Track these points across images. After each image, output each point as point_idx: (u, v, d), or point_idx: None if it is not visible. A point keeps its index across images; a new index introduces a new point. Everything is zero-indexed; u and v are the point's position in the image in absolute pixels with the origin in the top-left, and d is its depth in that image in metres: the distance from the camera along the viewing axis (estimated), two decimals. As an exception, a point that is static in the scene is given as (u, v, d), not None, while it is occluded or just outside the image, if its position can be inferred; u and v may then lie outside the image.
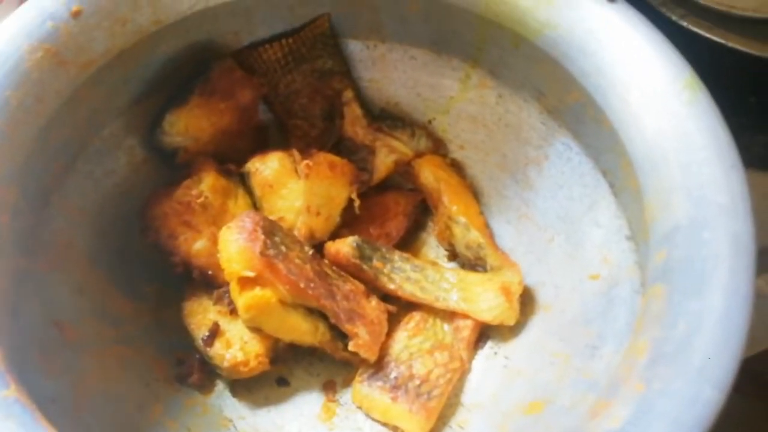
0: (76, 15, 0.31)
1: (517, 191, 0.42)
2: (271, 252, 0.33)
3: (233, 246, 0.33)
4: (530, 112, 0.41)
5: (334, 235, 0.41)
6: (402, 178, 0.47)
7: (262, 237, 0.33)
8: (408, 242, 0.45)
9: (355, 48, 0.45)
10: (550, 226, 0.39)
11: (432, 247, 0.45)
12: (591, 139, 0.37)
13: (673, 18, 0.63)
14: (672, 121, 0.29)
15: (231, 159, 0.41)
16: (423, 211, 0.46)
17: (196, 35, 0.39)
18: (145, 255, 0.37)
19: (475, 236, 0.41)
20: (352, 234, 0.41)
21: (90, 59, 0.32)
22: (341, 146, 0.45)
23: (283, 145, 0.44)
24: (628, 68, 0.31)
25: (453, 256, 0.44)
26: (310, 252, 0.37)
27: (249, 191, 0.40)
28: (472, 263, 0.41)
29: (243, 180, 0.40)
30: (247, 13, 0.40)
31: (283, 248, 0.34)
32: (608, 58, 0.32)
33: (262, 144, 0.43)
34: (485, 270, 0.40)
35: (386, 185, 0.46)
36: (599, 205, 0.36)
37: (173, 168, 0.40)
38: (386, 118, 0.46)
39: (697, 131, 0.28)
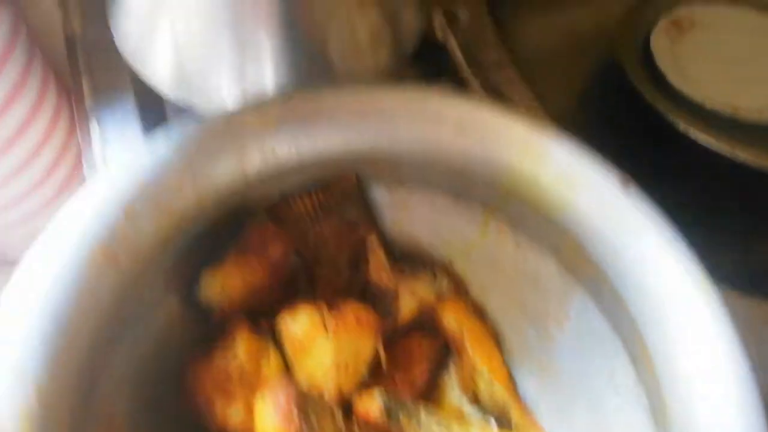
0: (129, 214, 0.33)
1: (540, 343, 0.44)
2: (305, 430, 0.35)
3: (269, 422, 0.35)
4: (548, 264, 0.43)
5: (359, 384, 0.43)
6: (424, 321, 0.48)
7: (296, 418, 0.34)
8: (431, 384, 0.46)
9: (377, 192, 0.48)
10: (573, 385, 0.41)
11: (454, 389, 0.47)
12: (609, 305, 0.38)
13: (680, 129, 0.66)
14: (698, 339, 0.30)
15: (260, 311, 0.43)
16: (445, 353, 0.47)
17: (233, 200, 0.41)
18: (182, 418, 0.39)
19: (500, 392, 0.42)
20: (377, 383, 0.42)
21: (139, 250, 0.34)
22: (366, 292, 0.47)
23: (311, 292, 0.46)
24: (648, 266, 0.33)
25: (476, 400, 0.45)
26: (340, 418, 0.39)
27: (280, 348, 0.42)
28: (496, 417, 0.43)
29: (273, 336, 0.42)
30: (281, 177, 0.43)
31: (315, 423, 0.36)
32: (627, 254, 0.34)
33: (290, 293, 0.45)
34: (509, 427, 0.42)
35: (408, 328, 0.48)
36: (618, 372, 0.38)
37: (207, 324, 0.42)
38: (407, 259, 0.48)
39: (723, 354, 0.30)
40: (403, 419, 0.41)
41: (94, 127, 0.56)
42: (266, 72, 0.49)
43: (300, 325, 0.42)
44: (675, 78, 0.70)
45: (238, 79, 0.50)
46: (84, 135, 0.57)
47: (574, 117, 0.78)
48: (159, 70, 0.51)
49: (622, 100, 0.74)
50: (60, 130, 0.62)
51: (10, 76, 0.54)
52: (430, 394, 0.45)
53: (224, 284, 0.41)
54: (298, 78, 0.50)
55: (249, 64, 0.49)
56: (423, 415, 0.42)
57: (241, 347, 0.40)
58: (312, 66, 0.50)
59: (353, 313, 0.43)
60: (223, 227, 0.42)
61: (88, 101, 0.58)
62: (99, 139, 0.55)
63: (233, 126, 0.39)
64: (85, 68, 0.59)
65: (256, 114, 0.40)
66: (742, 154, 0.63)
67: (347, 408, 0.41)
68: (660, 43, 0.75)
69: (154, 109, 0.57)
